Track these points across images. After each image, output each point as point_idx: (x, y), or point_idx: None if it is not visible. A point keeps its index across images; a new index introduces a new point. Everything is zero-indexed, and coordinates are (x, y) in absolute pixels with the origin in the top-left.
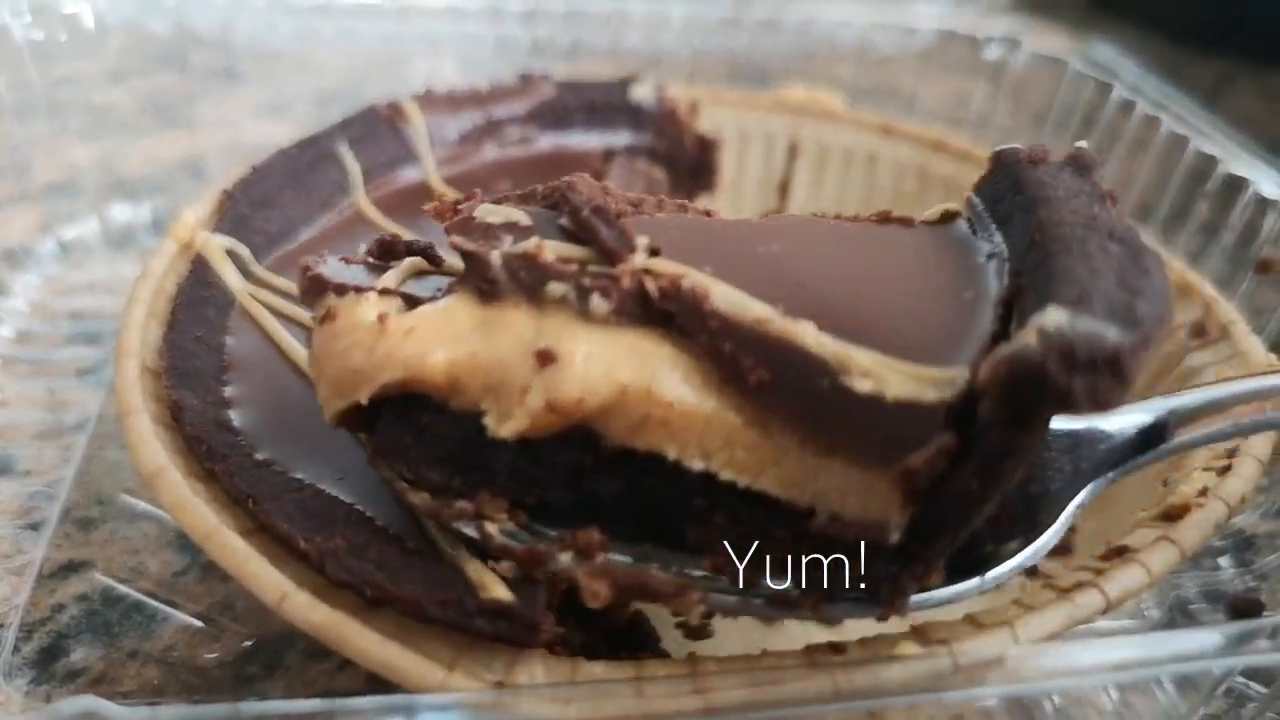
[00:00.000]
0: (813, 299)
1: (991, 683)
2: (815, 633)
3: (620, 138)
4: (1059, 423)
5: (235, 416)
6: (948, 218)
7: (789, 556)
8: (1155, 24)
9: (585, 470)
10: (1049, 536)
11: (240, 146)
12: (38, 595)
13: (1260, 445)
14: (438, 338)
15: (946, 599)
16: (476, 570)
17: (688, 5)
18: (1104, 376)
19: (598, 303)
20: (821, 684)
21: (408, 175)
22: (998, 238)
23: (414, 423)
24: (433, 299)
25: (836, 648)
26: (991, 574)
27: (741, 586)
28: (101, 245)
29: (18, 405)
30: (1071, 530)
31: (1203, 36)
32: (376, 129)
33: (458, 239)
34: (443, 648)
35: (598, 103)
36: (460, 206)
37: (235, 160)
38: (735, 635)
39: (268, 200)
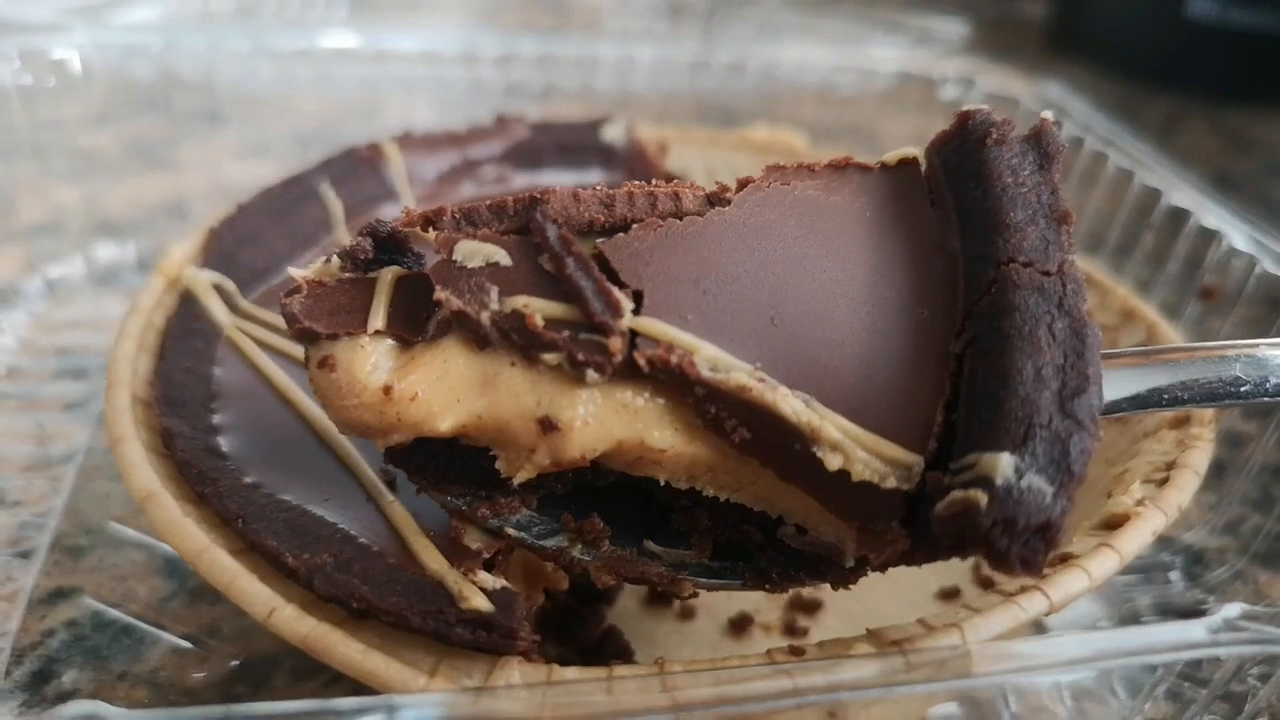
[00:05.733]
0: (785, 344)
1: (942, 679)
2: (777, 639)
3: (592, 176)
4: None
5: (224, 443)
6: (906, 162)
7: (761, 548)
8: (1110, 63)
9: (587, 480)
10: None
11: (222, 187)
12: (28, 621)
13: (1197, 458)
14: (442, 400)
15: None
16: (457, 582)
17: (656, 49)
18: (1036, 542)
19: (592, 376)
20: (782, 683)
21: (388, 213)
22: (955, 231)
23: (428, 451)
24: (422, 336)
25: (796, 650)
26: None
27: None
28: (87, 283)
29: (7, 439)
30: None
31: (1156, 75)
32: (357, 169)
33: (442, 294)
34: (424, 656)
35: (570, 143)
36: (431, 220)
37: (217, 200)
38: (706, 649)
39: (253, 237)
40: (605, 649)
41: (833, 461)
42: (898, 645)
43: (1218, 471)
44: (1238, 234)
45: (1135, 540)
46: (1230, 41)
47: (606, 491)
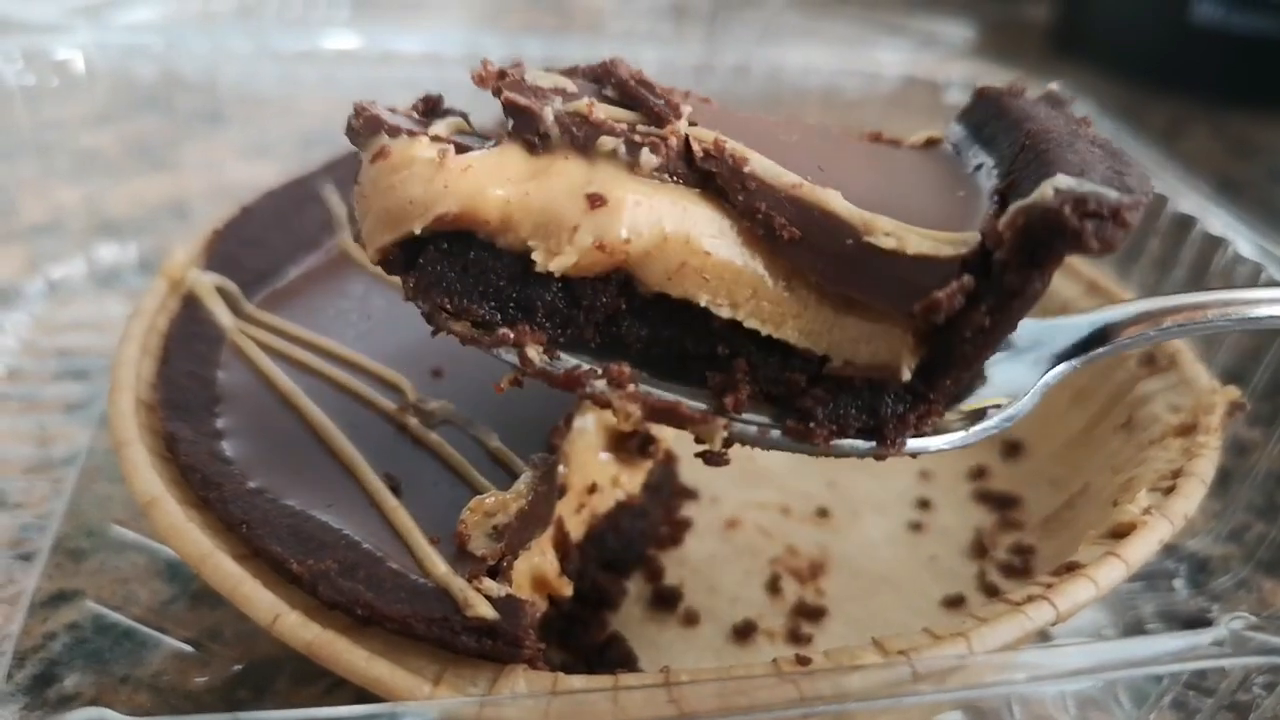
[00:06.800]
0: (833, 182)
1: (948, 688)
2: (781, 647)
3: None
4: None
5: (228, 447)
6: (931, 143)
7: (805, 392)
8: (1114, 66)
9: (619, 314)
10: (1024, 404)
11: (224, 188)
12: (30, 624)
13: (1203, 466)
14: (493, 177)
15: (938, 447)
16: (462, 589)
17: (660, 51)
18: (1109, 222)
19: (647, 157)
20: (788, 691)
21: None
22: (984, 155)
23: (461, 257)
24: (482, 148)
25: (802, 660)
26: (976, 428)
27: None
28: (88, 284)
29: (8, 440)
30: (1031, 552)
31: (1160, 79)
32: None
33: (510, 95)
34: (429, 664)
35: None
36: (505, 74)
37: (219, 201)
38: (710, 656)
39: (256, 239)
40: (609, 655)
41: (886, 242)
42: (904, 654)
43: (1223, 479)
44: (1244, 241)
45: (1142, 549)
46: (1234, 45)
47: (636, 356)
